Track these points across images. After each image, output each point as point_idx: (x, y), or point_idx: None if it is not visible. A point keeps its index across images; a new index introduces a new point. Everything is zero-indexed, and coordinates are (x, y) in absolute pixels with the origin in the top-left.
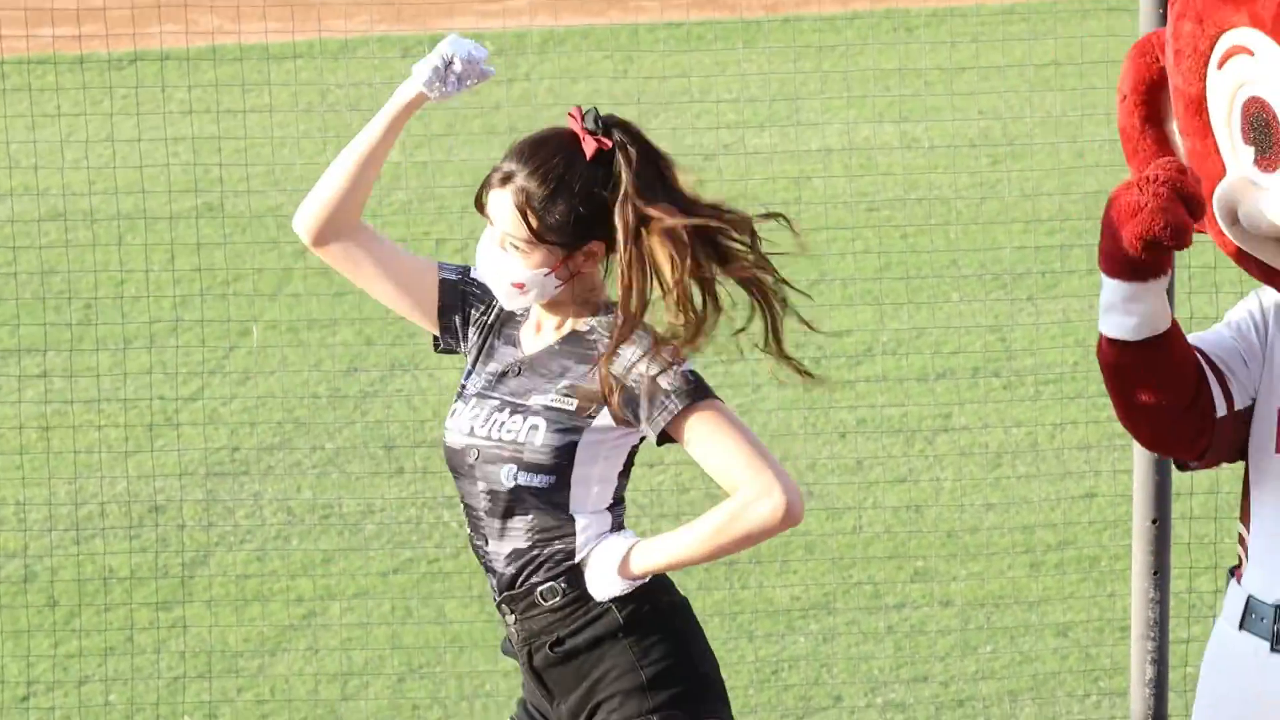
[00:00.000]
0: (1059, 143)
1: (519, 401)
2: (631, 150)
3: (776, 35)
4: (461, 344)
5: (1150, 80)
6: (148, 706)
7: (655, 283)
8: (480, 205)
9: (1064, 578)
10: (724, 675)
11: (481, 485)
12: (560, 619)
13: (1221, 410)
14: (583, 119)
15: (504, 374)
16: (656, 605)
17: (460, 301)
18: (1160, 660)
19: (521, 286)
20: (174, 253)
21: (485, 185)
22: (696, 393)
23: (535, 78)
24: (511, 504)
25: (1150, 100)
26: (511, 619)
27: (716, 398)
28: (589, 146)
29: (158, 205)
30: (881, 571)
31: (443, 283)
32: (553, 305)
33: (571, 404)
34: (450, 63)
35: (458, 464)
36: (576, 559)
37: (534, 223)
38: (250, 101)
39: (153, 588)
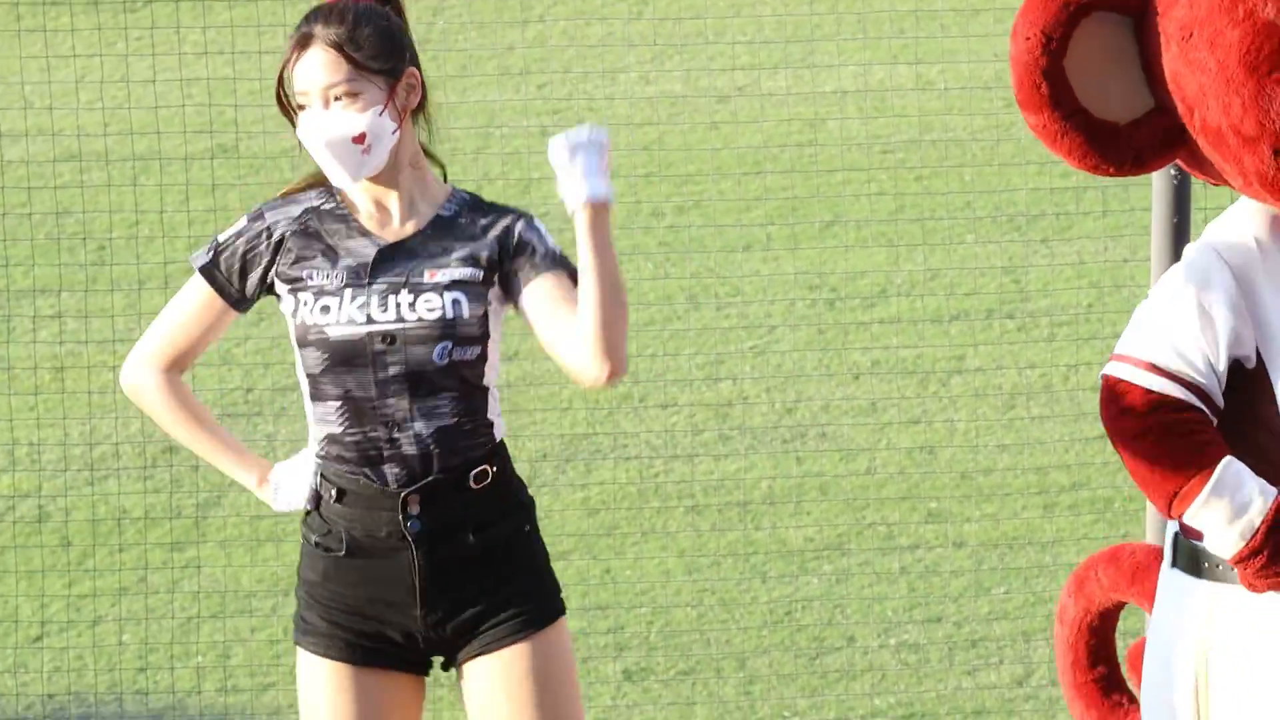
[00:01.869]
0: None
1: (417, 280)
2: None
3: None
4: (259, 289)
5: (1073, 17)
6: (161, 646)
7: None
8: (285, 103)
9: (1077, 519)
10: (737, 615)
11: (394, 370)
12: (483, 506)
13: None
14: None
15: (373, 264)
16: (530, 498)
17: (225, 270)
18: None
19: (363, 139)
20: (188, 194)
21: (282, 72)
22: (564, 262)
23: (549, 19)
24: (436, 382)
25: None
26: (416, 510)
27: (572, 270)
28: None
29: (172, 146)
30: (895, 513)
31: (216, 289)
32: (387, 178)
33: (478, 274)
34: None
35: (352, 354)
36: (497, 436)
37: (353, 54)
38: (264, 43)
39: (166, 528)
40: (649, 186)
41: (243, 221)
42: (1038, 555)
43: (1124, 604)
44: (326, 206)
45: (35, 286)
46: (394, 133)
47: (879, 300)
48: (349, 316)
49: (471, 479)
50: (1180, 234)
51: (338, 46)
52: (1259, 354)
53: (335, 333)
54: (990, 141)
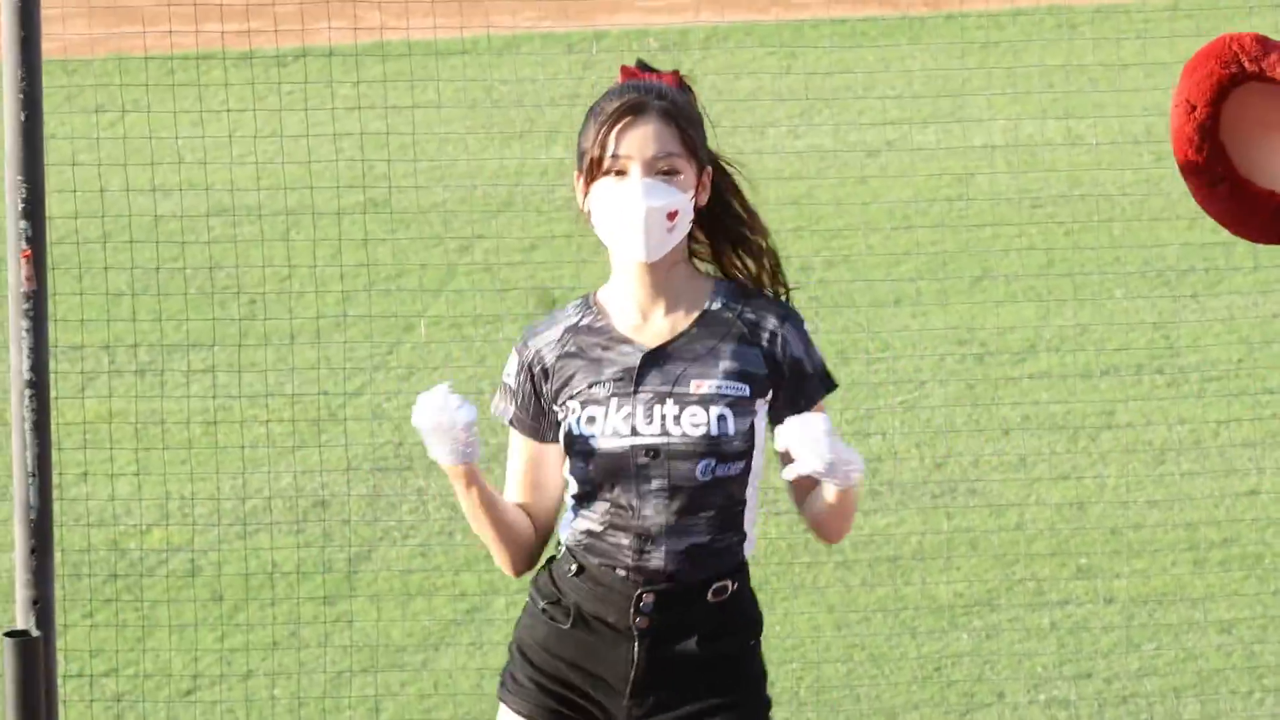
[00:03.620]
0: None
1: (683, 391)
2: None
3: (940, 31)
4: (552, 407)
5: (1223, 87)
6: (312, 701)
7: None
8: (595, 166)
9: (1228, 575)
10: (887, 671)
11: (657, 484)
12: (715, 617)
13: None
14: (640, 68)
15: (639, 371)
16: (760, 614)
17: (529, 411)
18: None
19: (675, 216)
20: (340, 248)
21: (598, 138)
22: (828, 382)
23: (699, 74)
24: (699, 498)
25: (1216, 112)
26: (648, 608)
27: (833, 389)
28: (670, 80)
29: (324, 201)
30: (1045, 568)
31: (530, 434)
32: (662, 271)
33: (745, 389)
34: (453, 426)
35: (617, 467)
36: (746, 551)
37: (686, 129)
38: (416, 97)
39: (318, 582)
40: (798, 241)
41: (514, 359)
42: (1188, 611)
43: None
44: (585, 321)
45: (188, 340)
46: (691, 221)
47: (1029, 355)
48: (614, 428)
49: (710, 593)
50: None
51: (673, 119)
52: None
53: (602, 445)
54: (1139, 196)
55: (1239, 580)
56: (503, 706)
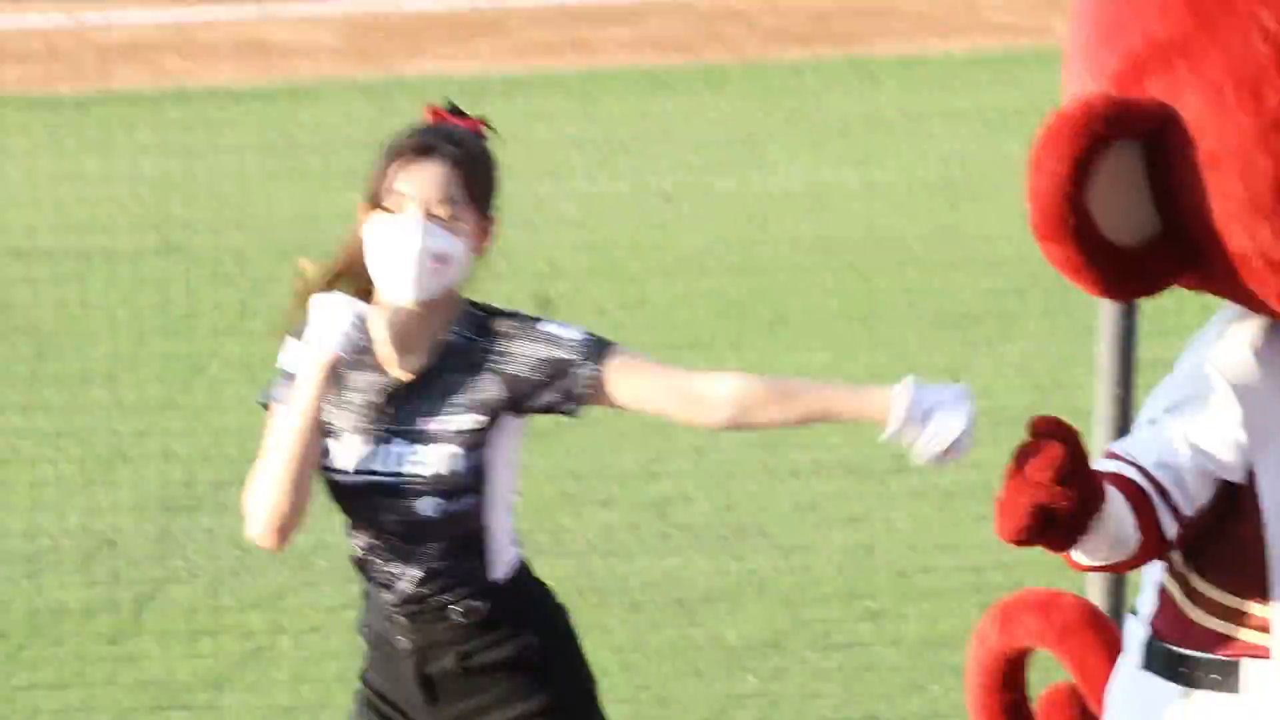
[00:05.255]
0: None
1: (418, 429)
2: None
3: (742, 81)
4: None
5: (1087, 150)
6: None
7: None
8: (377, 198)
9: None
10: (674, 713)
11: (391, 516)
12: (470, 634)
13: (1171, 533)
14: (448, 110)
15: (380, 405)
16: (562, 626)
17: None
18: None
19: (447, 260)
20: (137, 289)
21: (386, 171)
22: (599, 349)
23: (499, 120)
24: (430, 530)
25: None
26: (405, 623)
27: (614, 343)
28: (473, 126)
29: (120, 242)
30: (833, 610)
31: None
32: (425, 310)
33: (482, 419)
34: (351, 313)
35: (356, 501)
36: (491, 575)
37: (471, 182)
38: (215, 141)
39: (104, 621)
40: (594, 285)
41: (298, 345)
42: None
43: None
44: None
45: None
46: (464, 268)
47: None
48: (350, 463)
49: (456, 613)
50: (1128, 336)
51: (461, 167)
52: (1249, 471)
53: (338, 478)
54: (935, 242)
55: None
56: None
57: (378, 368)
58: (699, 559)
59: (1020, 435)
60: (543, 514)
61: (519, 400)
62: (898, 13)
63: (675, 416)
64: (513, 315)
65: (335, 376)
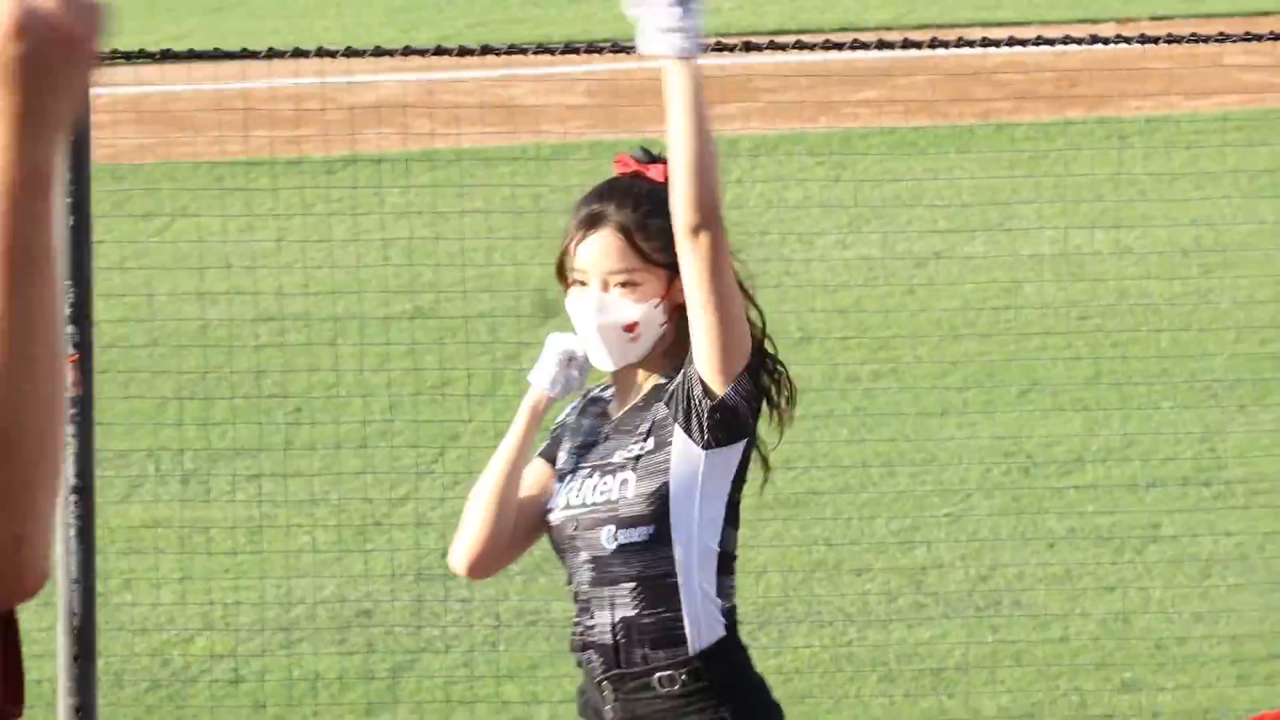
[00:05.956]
0: (1274, 250)
1: (606, 462)
2: None
3: (989, 141)
4: None
5: None
6: None
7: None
8: (562, 272)
9: (1273, 689)
10: None
11: (584, 555)
12: (672, 709)
13: None
14: (633, 158)
15: (593, 444)
16: (763, 706)
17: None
18: None
19: (635, 328)
20: (387, 354)
21: (567, 247)
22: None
23: (748, 182)
24: (614, 567)
25: None
26: (611, 696)
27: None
28: (657, 172)
29: (371, 307)
30: (1089, 681)
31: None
32: (642, 365)
33: (651, 444)
34: (571, 358)
35: (562, 541)
36: (692, 648)
37: (641, 244)
38: (465, 204)
39: (360, 691)
40: (845, 351)
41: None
42: None
43: None
44: (604, 394)
45: (234, 446)
46: (663, 324)
47: (1075, 467)
48: (558, 504)
49: (658, 681)
50: None
51: (627, 234)
52: None
53: (552, 519)
54: (1187, 307)
55: None
56: None
57: (607, 414)
58: (955, 629)
59: (1274, 503)
60: (798, 583)
61: (675, 415)
62: (1146, 72)
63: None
64: None
65: (575, 423)
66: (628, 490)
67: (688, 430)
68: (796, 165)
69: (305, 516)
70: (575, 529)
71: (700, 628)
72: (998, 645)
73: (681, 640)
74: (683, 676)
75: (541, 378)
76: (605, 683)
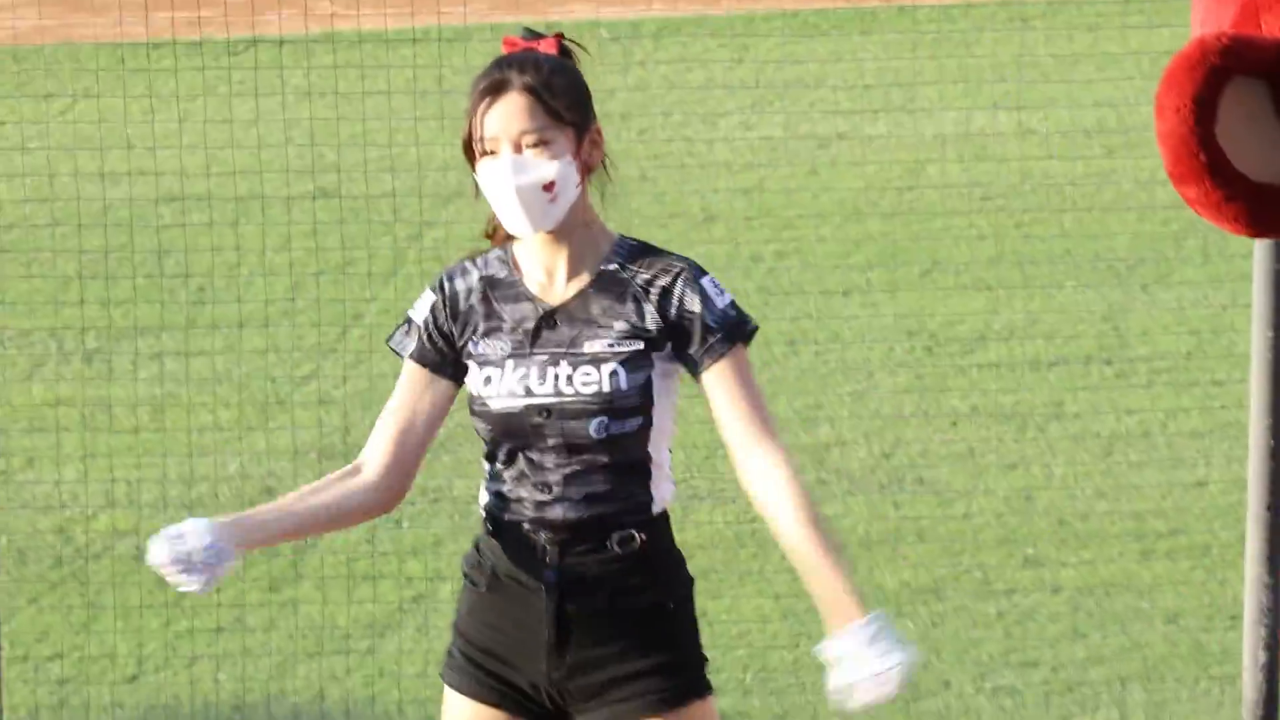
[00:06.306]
0: None
1: (576, 351)
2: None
3: (892, 24)
4: (457, 355)
5: (1211, 86)
6: (257, 685)
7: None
8: (471, 148)
9: (1175, 565)
10: None
11: (554, 440)
12: (624, 571)
13: None
14: (523, 36)
15: (535, 330)
16: (688, 588)
17: (434, 347)
18: (1273, 646)
19: (552, 187)
20: (290, 235)
21: (472, 120)
22: (739, 331)
23: (650, 64)
24: (596, 455)
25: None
26: (554, 560)
27: (747, 329)
28: (547, 45)
29: (274, 188)
30: (992, 557)
31: (430, 367)
32: (560, 235)
33: (638, 344)
34: (191, 552)
35: (514, 427)
36: (655, 509)
37: (550, 101)
38: (368, 85)
39: (264, 568)
40: (749, 230)
41: (431, 297)
42: (1134, 601)
43: None
44: (501, 275)
45: (136, 326)
46: (577, 185)
47: (978, 345)
48: (509, 389)
49: (615, 542)
50: None
51: (533, 92)
52: None
53: (496, 405)
54: (1090, 188)
55: (1186, 570)
56: (445, 686)
57: (530, 298)
58: (858, 505)
59: (1176, 381)
60: (701, 461)
61: (670, 338)
62: None
63: (727, 444)
64: (675, 257)
65: (486, 308)
66: (619, 382)
67: (679, 358)
68: (700, 47)
69: (208, 395)
70: (545, 417)
71: (658, 496)
72: (900, 521)
73: (646, 509)
74: (642, 538)
75: (201, 583)
76: (549, 547)
